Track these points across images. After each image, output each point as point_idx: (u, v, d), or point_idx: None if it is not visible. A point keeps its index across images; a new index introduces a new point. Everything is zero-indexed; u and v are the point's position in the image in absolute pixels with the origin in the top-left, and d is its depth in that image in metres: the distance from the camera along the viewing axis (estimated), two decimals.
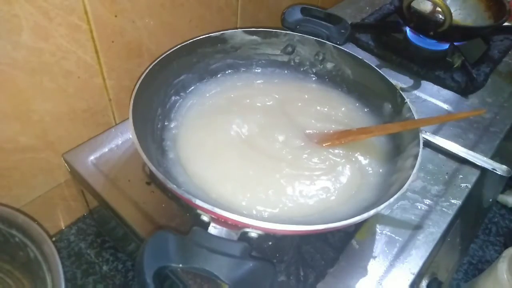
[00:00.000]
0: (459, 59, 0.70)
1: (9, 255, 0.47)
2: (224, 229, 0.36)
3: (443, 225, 0.49)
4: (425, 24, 0.69)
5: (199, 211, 0.37)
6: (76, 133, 0.54)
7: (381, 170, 0.49)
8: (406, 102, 0.49)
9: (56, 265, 0.41)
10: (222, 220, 0.36)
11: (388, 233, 0.48)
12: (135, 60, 0.55)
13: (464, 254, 0.70)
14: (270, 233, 0.41)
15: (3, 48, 0.41)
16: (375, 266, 0.45)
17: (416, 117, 0.48)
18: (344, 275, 0.44)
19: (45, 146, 0.51)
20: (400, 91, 0.51)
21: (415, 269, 0.45)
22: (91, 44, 0.48)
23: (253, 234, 0.37)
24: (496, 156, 0.59)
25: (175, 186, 0.36)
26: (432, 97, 0.67)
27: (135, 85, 0.44)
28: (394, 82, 0.52)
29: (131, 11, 0.50)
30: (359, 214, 0.36)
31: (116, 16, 0.49)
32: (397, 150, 0.49)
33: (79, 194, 0.57)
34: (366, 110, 0.56)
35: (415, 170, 0.41)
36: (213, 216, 0.36)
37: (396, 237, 0.47)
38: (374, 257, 0.45)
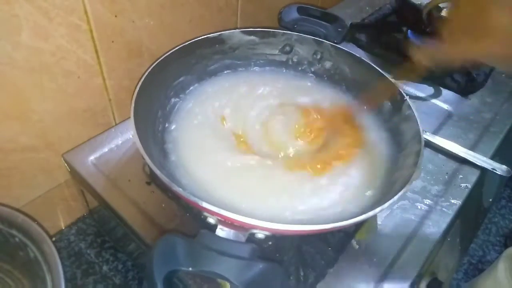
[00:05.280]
0: None
1: (9, 255, 0.46)
2: (232, 231, 0.36)
3: (443, 225, 0.49)
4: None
5: (205, 214, 0.37)
6: (76, 133, 0.54)
7: (381, 170, 0.49)
8: (406, 99, 0.49)
9: (56, 265, 0.41)
10: (229, 222, 0.36)
11: (388, 233, 0.48)
12: (135, 60, 0.55)
13: (464, 254, 0.70)
14: (276, 234, 0.41)
15: (3, 48, 0.41)
16: (375, 266, 0.45)
17: (416, 114, 0.48)
18: (344, 275, 0.44)
19: (45, 146, 0.51)
20: (400, 89, 0.51)
21: (415, 269, 0.45)
22: (91, 44, 0.48)
23: (260, 235, 0.37)
24: (496, 156, 0.59)
25: (180, 189, 0.36)
26: (432, 97, 0.67)
27: (135, 87, 0.44)
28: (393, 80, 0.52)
29: (131, 11, 0.50)
30: (359, 214, 0.37)
31: (116, 16, 0.49)
32: (398, 147, 0.49)
33: (79, 194, 0.57)
34: (364, 108, 0.56)
35: (416, 170, 0.41)
36: (219, 218, 0.36)
37: (396, 237, 0.47)
38: (374, 257, 0.45)
